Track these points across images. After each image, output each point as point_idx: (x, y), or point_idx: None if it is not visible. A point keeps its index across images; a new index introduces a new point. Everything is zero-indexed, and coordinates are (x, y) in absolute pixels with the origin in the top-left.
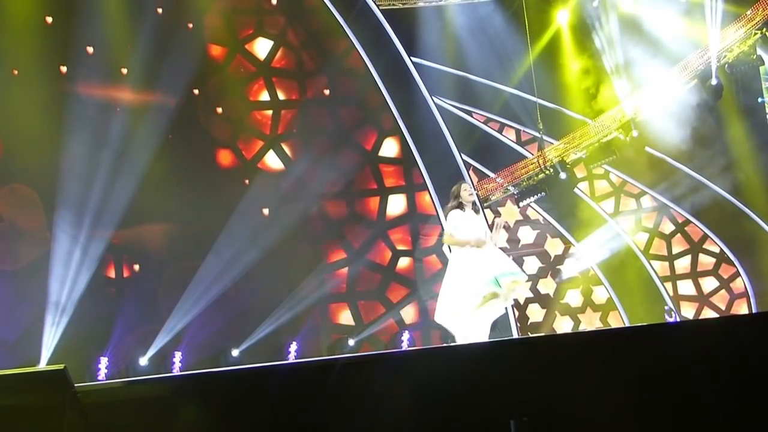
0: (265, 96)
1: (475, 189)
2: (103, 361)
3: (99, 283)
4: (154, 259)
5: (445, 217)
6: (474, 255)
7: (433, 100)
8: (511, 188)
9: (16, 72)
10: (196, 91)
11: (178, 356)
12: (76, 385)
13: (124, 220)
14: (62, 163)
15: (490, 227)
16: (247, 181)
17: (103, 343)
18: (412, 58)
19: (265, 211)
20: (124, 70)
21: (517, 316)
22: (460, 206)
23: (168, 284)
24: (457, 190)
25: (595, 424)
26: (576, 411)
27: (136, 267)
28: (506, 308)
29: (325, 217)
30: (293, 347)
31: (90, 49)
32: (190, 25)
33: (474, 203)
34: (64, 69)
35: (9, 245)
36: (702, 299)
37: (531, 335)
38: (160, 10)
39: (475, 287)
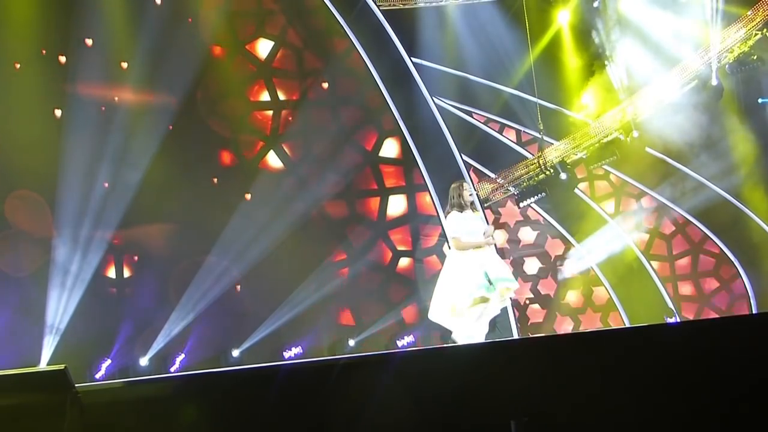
0: (265, 96)
1: (475, 189)
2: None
3: (99, 283)
4: (155, 260)
5: (446, 218)
6: (471, 256)
7: (433, 100)
8: (511, 189)
9: (18, 65)
10: (197, 92)
11: (179, 357)
12: (76, 385)
13: (125, 220)
14: (63, 164)
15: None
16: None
17: (104, 343)
18: (413, 59)
19: (265, 211)
20: (125, 65)
21: (517, 317)
22: (460, 207)
23: (168, 284)
24: (457, 190)
25: (595, 425)
26: (576, 411)
27: (137, 267)
28: (506, 309)
29: (325, 217)
30: (293, 348)
31: (89, 41)
32: (190, 20)
33: (473, 203)
34: (62, 59)
35: (17, 252)
36: (702, 300)
37: (531, 335)
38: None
39: (469, 289)
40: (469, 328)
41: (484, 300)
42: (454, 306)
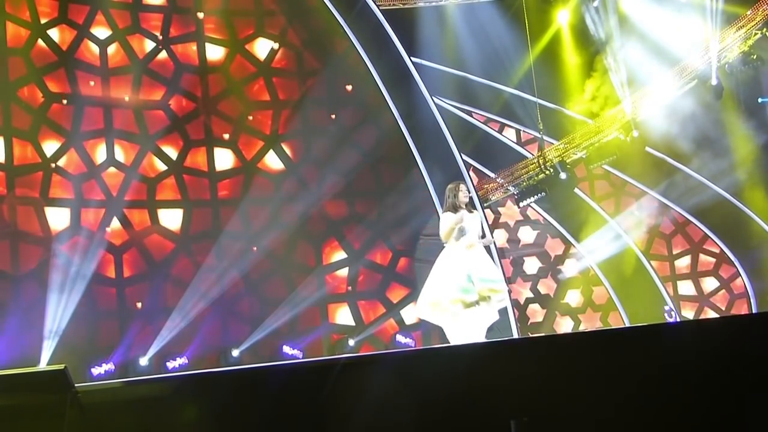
0: (265, 96)
1: (475, 189)
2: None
3: (99, 283)
4: (155, 260)
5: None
6: (458, 255)
7: (433, 100)
8: (511, 188)
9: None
10: (197, 92)
11: (179, 357)
12: (76, 385)
13: (125, 220)
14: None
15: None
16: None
17: (104, 343)
18: (412, 58)
19: (265, 213)
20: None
21: (517, 317)
22: (453, 208)
23: (168, 284)
24: (452, 191)
25: (595, 425)
26: (576, 411)
27: (137, 267)
28: (506, 309)
29: (325, 217)
30: (293, 348)
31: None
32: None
33: (469, 203)
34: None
35: (15, 249)
36: (702, 299)
37: (531, 335)
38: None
39: (450, 288)
40: (461, 331)
41: (467, 304)
42: (436, 303)
